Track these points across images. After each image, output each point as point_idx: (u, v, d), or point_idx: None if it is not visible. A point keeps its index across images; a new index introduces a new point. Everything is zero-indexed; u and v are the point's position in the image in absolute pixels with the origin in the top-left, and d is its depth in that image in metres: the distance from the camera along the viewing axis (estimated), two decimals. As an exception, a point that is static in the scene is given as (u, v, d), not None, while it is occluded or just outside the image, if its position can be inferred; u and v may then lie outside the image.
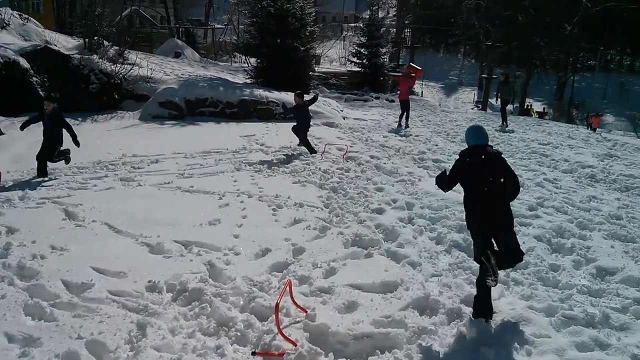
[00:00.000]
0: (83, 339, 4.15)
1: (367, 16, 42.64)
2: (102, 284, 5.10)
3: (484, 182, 4.69)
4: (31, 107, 16.24)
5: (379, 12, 51.93)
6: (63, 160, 10.21)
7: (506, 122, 19.65)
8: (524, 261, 6.10)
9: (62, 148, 10.04)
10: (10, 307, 4.61)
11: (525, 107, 41.33)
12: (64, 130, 9.93)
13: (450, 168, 5.04)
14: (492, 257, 4.24)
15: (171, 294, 5.09)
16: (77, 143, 10.00)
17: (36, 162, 9.68)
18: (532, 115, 34.93)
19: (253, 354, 4.09)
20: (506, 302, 5.12)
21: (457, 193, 9.20)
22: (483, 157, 4.75)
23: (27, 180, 9.41)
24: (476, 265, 5.93)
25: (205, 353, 4.03)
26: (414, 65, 18.97)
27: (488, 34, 46.90)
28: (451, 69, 65.76)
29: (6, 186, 8.80)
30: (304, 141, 12.62)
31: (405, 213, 8.07)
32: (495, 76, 41.83)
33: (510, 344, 4.30)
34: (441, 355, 4.05)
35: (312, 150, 12.52)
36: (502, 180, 4.76)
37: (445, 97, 51.63)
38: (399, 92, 20.02)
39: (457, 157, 5.04)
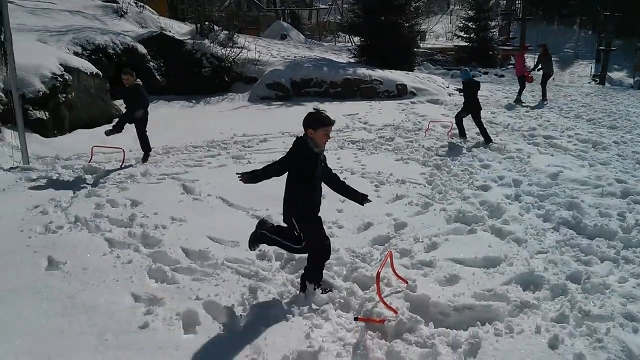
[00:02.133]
0: (201, 299, 4.56)
1: (475, -12, 41.12)
2: (217, 252, 5.53)
3: None
4: (150, 91, 17.40)
5: (488, -16, 50.00)
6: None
7: (543, 95, 18.42)
8: (636, 239, 5.90)
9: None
10: (136, 271, 5.13)
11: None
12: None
13: None
14: None
15: (279, 262, 5.42)
16: (118, 126, 9.62)
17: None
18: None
19: (356, 319, 4.29)
20: (615, 280, 4.96)
21: (569, 170, 8.97)
22: None
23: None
24: (585, 243, 5.84)
25: (311, 316, 4.29)
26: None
27: (605, 3, 43.66)
28: (566, 42, 61.81)
29: (129, 164, 9.57)
30: None
31: (512, 190, 7.93)
32: (614, 48, 38.99)
33: (616, 320, 4.19)
34: (542, 329, 4.03)
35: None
36: None
37: (560, 71, 48.77)
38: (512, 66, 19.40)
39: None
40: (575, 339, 3.96)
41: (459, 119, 11.81)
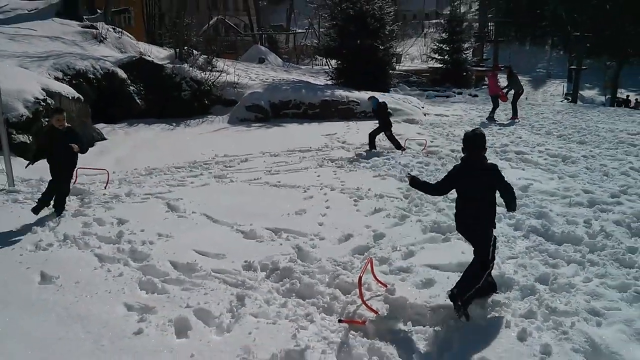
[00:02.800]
0: (191, 307, 4.79)
1: (449, 12, 42.29)
2: (204, 264, 5.76)
3: None
4: (130, 115, 17.66)
5: (461, 7, 51.27)
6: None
7: (514, 114, 18.86)
8: (600, 244, 6.27)
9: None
10: (127, 283, 5.34)
11: (616, 99, 39.43)
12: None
13: None
14: None
15: (265, 272, 5.67)
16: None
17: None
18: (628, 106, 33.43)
19: (340, 321, 4.56)
20: (580, 280, 5.31)
21: (539, 182, 9.38)
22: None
23: (130, 179, 10.38)
24: (553, 248, 6.19)
25: (297, 319, 4.55)
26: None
27: (576, 24, 45.11)
28: (539, 62, 63.62)
29: (113, 185, 9.76)
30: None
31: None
32: (585, 67, 40.25)
33: (581, 315, 4.53)
34: (512, 324, 4.35)
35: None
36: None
37: (532, 91, 50.07)
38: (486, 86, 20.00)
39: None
40: (543, 332, 4.28)
41: (372, 136, 13.15)
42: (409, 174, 5.59)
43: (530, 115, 20.67)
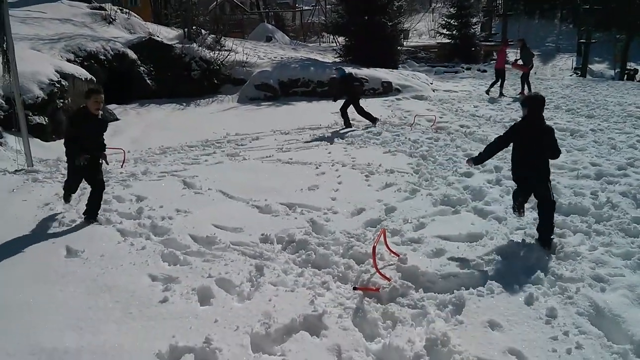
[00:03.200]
0: (213, 277, 5.03)
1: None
2: (223, 237, 6.00)
3: None
4: (141, 95, 17.85)
5: (469, -19, 50.76)
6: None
7: (528, 89, 18.68)
8: (606, 215, 6.45)
9: None
10: (151, 255, 5.58)
11: (626, 71, 39.06)
12: None
13: None
14: None
15: (281, 245, 5.90)
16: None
17: None
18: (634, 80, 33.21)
19: (354, 288, 4.79)
20: (585, 248, 5.50)
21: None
22: None
23: (145, 158, 10.61)
24: (560, 219, 6.37)
25: (314, 287, 4.79)
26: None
27: (585, -4, 44.54)
28: (547, 36, 62.85)
29: (129, 164, 10.00)
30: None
31: (493, 175, 8.45)
32: (594, 40, 39.88)
33: (586, 281, 4.73)
34: (519, 290, 4.56)
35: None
36: None
37: (542, 65, 49.68)
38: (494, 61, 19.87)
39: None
40: (549, 297, 4.49)
41: (343, 110, 13.16)
42: (470, 160, 6.26)
43: (539, 89, 20.62)
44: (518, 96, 18.18)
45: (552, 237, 5.62)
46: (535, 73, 36.58)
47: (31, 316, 4.34)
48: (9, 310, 4.44)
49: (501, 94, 18.30)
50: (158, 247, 5.80)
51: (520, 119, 5.95)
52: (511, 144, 5.89)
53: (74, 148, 6.42)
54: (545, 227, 5.60)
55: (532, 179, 5.74)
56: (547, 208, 5.60)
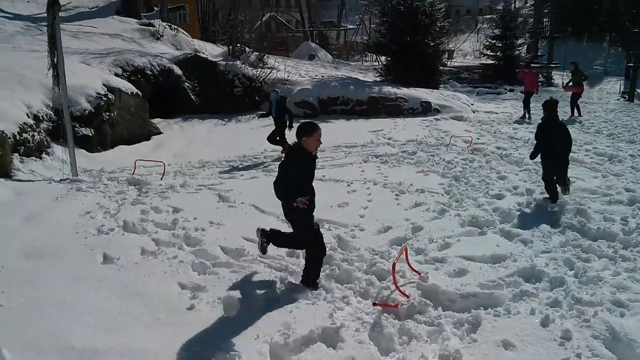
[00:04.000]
0: (238, 287, 5.23)
1: (502, 7, 41.63)
2: (252, 250, 6.21)
3: None
4: (185, 110, 18.40)
5: (516, 2, 50.33)
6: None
7: (579, 112, 18.73)
8: (634, 241, 6.40)
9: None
10: (181, 265, 5.83)
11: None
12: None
13: None
14: None
15: (306, 259, 6.07)
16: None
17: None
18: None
19: (374, 304, 4.92)
20: (609, 273, 5.49)
21: (582, 181, 9.45)
22: None
23: (184, 171, 10.98)
24: (587, 243, 6.36)
25: (334, 301, 4.93)
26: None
27: (635, 20, 43.65)
28: (596, 59, 61.70)
29: (168, 176, 10.37)
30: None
31: (524, 198, 8.44)
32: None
33: (605, 305, 4.73)
34: (537, 312, 4.60)
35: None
36: None
37: (588, 88, 48.70)
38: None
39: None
40: (565, 319, 4.53)
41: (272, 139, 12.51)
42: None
43: (583, 113, 20.34)
44: (567, 119, 17.94)
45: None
46: (582, 96, 35.89)
47: (64, 315, 4.61)
48: (43, 308, 4.72)
49: (527, 117, 18.13)
50: (189, 256, 6.05)
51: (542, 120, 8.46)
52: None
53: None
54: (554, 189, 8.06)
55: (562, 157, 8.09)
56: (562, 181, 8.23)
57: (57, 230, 6.83)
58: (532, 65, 23.60)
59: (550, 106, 8.23)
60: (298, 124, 5.45)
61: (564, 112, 19.47)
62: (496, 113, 20.16)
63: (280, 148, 12.45)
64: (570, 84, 18.72)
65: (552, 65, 40.47)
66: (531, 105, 18.59)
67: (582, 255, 5.98)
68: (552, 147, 8.07)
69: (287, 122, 12.31)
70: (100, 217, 7.47)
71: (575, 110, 18.75)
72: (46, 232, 6.71)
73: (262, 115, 13.53)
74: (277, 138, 12.46)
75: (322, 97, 19.38)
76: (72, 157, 10.16)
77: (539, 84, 18.94)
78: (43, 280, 5.30)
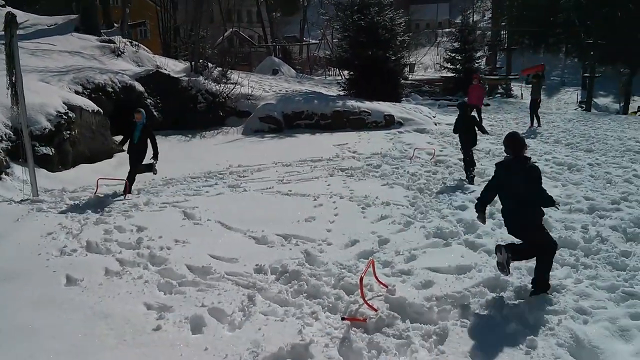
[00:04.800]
0: (206, 306, 5.19)
1: (460, 21, 42.58)
2: (218, 267, 6.17)
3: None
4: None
5: (474, 16, 51.51)
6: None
7: (538, 122, 19.40)
8: (595, 248, 6.57)
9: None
10: (147, 285, 5.76)
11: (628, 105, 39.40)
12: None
13: None
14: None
15: (274, 275, 6.06)
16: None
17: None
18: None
19: (342, 319, 4.93)
20: (571, 281, 5.63)
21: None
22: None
23: (148, 189, 10.83)
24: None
25: (303, 317, 4.93)
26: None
27: (589, 32, 45.16)
28: (553, 70, 63.55)
29: (132, 194, 10.22)
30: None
31: (487, 209, 8.56)
32: (598, 74, 40.30)
33: (568, 313, 4.85)
34: (502, 322, 4.68)
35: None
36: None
37: (546, 99, 50.09)
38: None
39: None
40: (530, 328, 4.62)
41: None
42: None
43: (542, 123, 20.89)
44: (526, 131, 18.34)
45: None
46: (539, 107, 36.82)
47: (27, 342, 4.49)
48: (6, 335, 4.60)
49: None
50: (155, 276, 5.98)
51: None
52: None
53: None
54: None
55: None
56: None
57: (19, 253, 6.67)
58: (481, 76, 24.04)
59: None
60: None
61: (523, 122, 19.99)
62: (458, 125, 20.43)
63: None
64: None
65: (510, 77, 41.53)
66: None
67: (544, 264, 6.10)
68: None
69: (153, 151, 10.67)
70: (62, 238, 7.33)
71: (535, 120, 19.19)
72: (7, 255, 6.55)
73: (121, 142, 11.33)
74: (130, 170, 10.48)
75: (287, 111, 19.40)
76: (33, 177, 9.92)
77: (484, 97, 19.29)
78: (4, 306, 5.16)
